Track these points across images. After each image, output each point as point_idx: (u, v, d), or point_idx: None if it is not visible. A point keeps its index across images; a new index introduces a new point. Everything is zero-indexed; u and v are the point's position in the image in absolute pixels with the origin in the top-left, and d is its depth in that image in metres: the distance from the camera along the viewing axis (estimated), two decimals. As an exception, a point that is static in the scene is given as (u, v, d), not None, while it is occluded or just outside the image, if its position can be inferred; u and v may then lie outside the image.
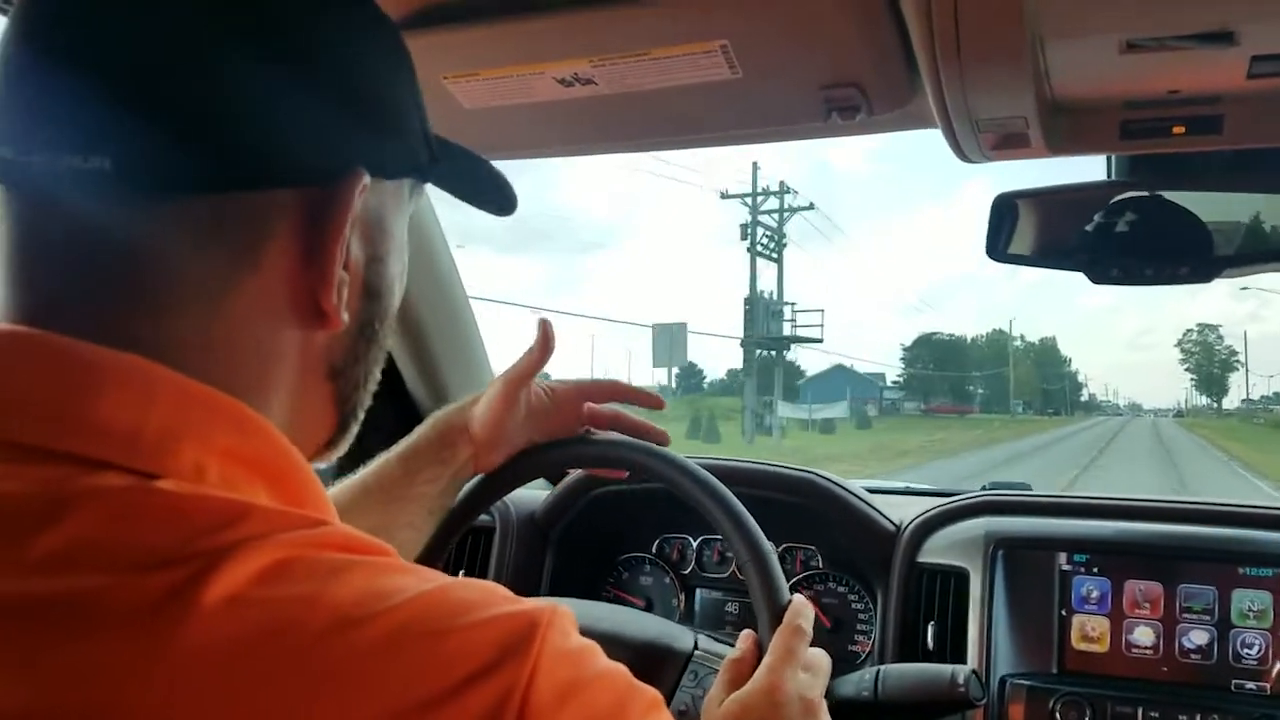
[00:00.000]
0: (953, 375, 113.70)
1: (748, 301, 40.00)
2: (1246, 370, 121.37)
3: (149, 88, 0.49)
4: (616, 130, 1.13)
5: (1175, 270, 1.11)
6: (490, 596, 0.49)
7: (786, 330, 41.16)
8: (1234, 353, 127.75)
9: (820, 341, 42.79)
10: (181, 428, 0.49)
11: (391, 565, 0.49)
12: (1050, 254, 1.19)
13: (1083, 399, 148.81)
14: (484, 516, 1.58)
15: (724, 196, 41.56)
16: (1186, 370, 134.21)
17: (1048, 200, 1.20)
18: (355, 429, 0.65)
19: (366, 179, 0.56)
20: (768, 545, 0.95)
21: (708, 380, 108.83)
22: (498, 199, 0.73)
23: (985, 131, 0.98)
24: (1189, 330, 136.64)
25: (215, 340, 0.53)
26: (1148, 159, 1.15)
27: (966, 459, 26.91)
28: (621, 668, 0.53)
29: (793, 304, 42.16)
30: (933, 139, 1.04)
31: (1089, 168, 1.24)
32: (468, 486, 1.06)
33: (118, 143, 0.49)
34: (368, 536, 0.51)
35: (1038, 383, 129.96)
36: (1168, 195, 1.12)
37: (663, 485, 1.02)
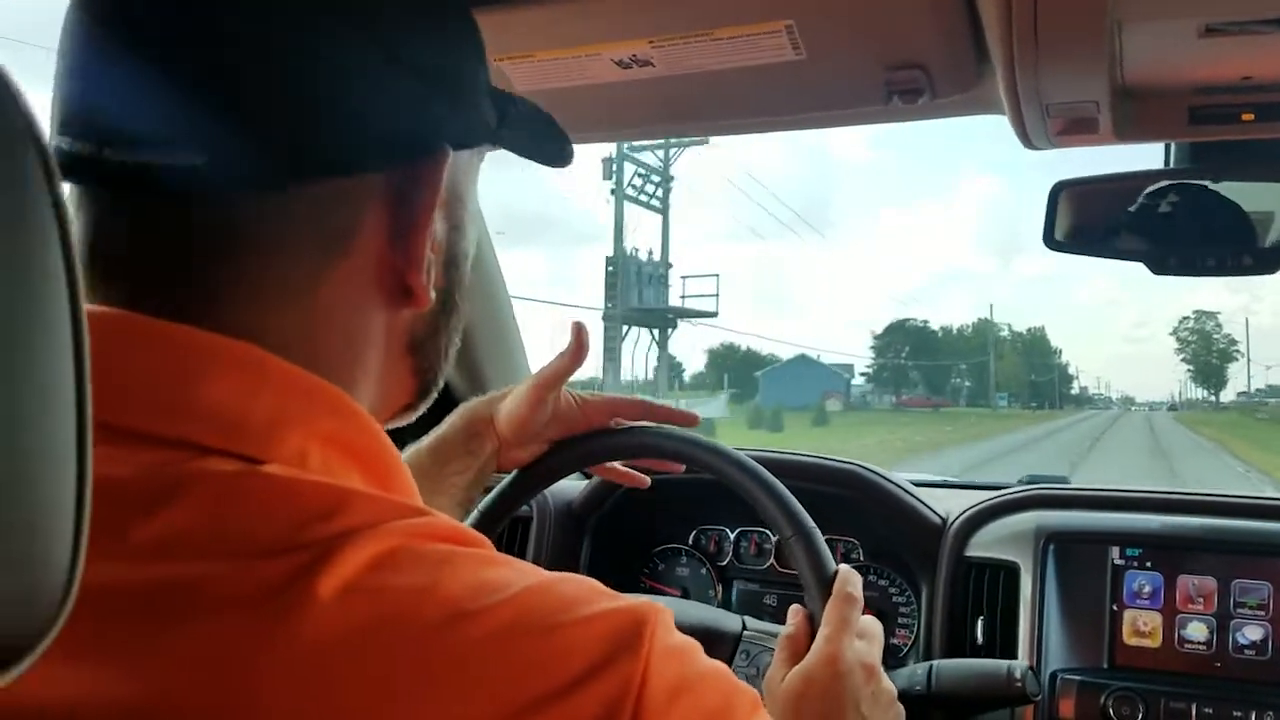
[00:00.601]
0: (927, 365, 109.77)
1: (611, 262, 30.01)
2: (1248, 360, 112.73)
3: (238, 82, 0.49)
4: (672, 114, 1.12)
5: (1239, 260, 1.09)
6: (594, 592, 0.49)
7: (675, 301, 32.61)
8: (1233, 342, 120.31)
9: (714, 315, 34.31)
10: (286, 414, 0.49)
11: (493, 558, 0.49)
12: (1108, 243, 1.18)
13: (1073, 392, 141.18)
14: (523, 508, 1.57)
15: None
16: (1183, 360, 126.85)
17: (1105, 188, 1.18)
18: (435, 393, 0.65)
19: (451, 155, 0.55)
20: (809, 520, 0.95)
21: (689, 373, 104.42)
22: (555, 151, 0.72)
23: (1054, 117, 0.97)
24: (1185, 319, 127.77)
25: (311, 327, 0.53)
26: (1207, 147, 1.14)
27: (922, 462, 23.53)
28: (723, 665, 0.54)
29: (669, 265, 32.18)
30: (938, 130, 1.03)
31: (1133, 159, 1.22)
32: (506, 480, 1.06)
33: (210, 139, 0.48)
34: (465, 527, 0.51)
35: (1024, 374, 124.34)
36: (1230, 184, 1.10)
37: (704, 473, 1.01)
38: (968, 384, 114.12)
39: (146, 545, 0.43)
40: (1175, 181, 1.14)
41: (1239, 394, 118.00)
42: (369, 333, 0.56)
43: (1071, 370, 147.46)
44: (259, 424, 0.48)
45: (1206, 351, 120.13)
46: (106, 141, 0.49)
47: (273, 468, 0.47)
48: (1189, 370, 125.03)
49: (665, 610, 0.50)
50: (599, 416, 1.07)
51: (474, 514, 1.06)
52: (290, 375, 0.50)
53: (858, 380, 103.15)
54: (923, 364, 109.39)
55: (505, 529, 1.61)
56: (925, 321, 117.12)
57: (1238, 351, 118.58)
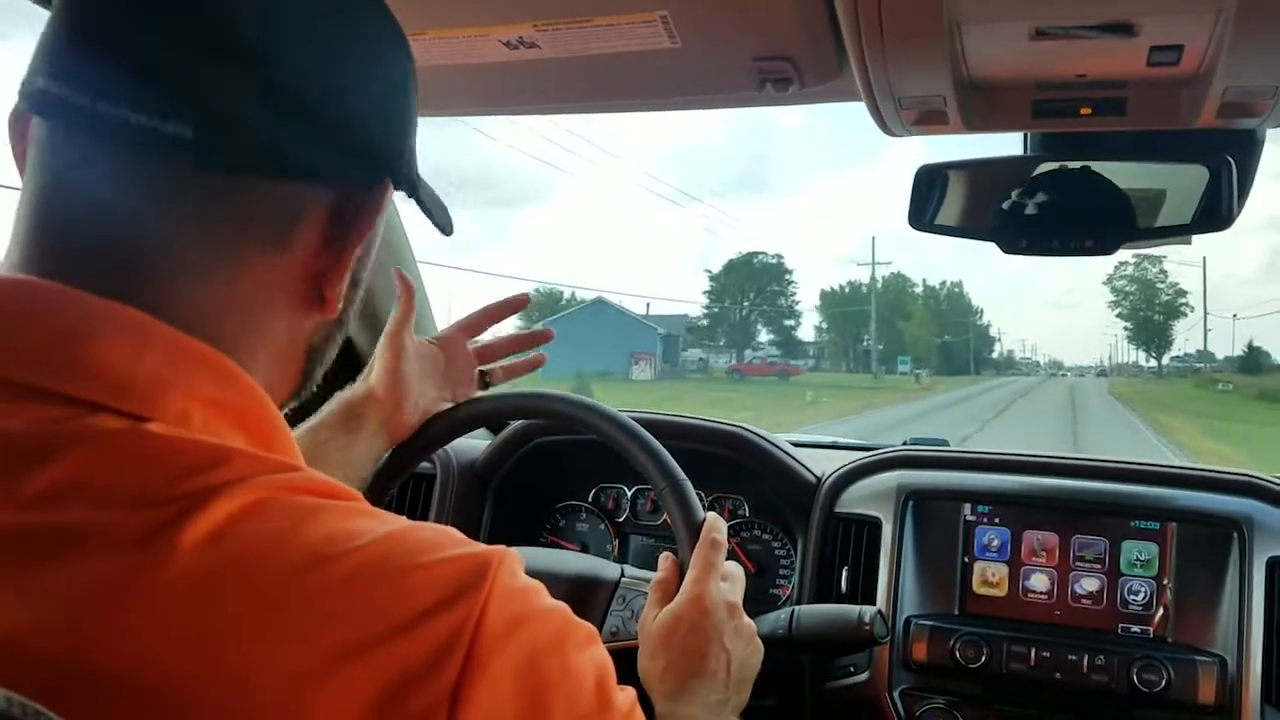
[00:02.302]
0: (783, 321, 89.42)
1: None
2: (1205, 315, 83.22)
3: (247, 69, 0.54)
4: (558, 93, 1.18)
5: (1081, 243, 1.19)
6: (447, 539, 0.55)
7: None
8: (1182, 294, 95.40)
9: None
10: (170, 376, 0.53)
11: (359, 509, 0.54)
12: (967, 224, 1.26)
13: (993, 356, 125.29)
14: (425, 465, 1.63)
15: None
16: (1118, 316, 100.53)
17: (967, 172, 1.27)
18: (306, 394, 0.71)
19: (391, 189, 0.63)
20: (680, 472, 1.03)
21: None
22: (444, 219, 0.77)
23: (906, 108, 1.05)
24: (1122, 264, 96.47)
25: (225, 307, 0.57)
26: (1059, 137, 1.23)
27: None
28: (563, 605, 0.59)
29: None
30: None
31: (1010, 141, 1.31)
32: (383, 459, 1.12)
33: (204, 114, 0.53)
34: (337, 482, 0.56)
35: (932, 336, 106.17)
36: (1074, 173, 1.19)
37: (582, 431, 1.09)
38: (880, 347, 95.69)
39: (36, 494, 0.47)
40: (1031, 169, 1.23)
41: (1174, 357, 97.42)
42: (274, 329, 0.61)
43: (993, 333, 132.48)
44: (144, 384, 0.52)
45: (1148, 305, 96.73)
46: (103, 96, 0.52)
47: (156, 426, 0.51)
48: (1126, 329, 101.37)
49: (511, 555, 0.56)
50: (456, 345, 1.18)
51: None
52: (174, 339, 0.54)
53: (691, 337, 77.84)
54: (771, 315, 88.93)
55: (409, 488, 1.67)
56: (779, 257, 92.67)
57: (1187, 305, 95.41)
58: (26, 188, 0.56)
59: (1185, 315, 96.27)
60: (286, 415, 0.65)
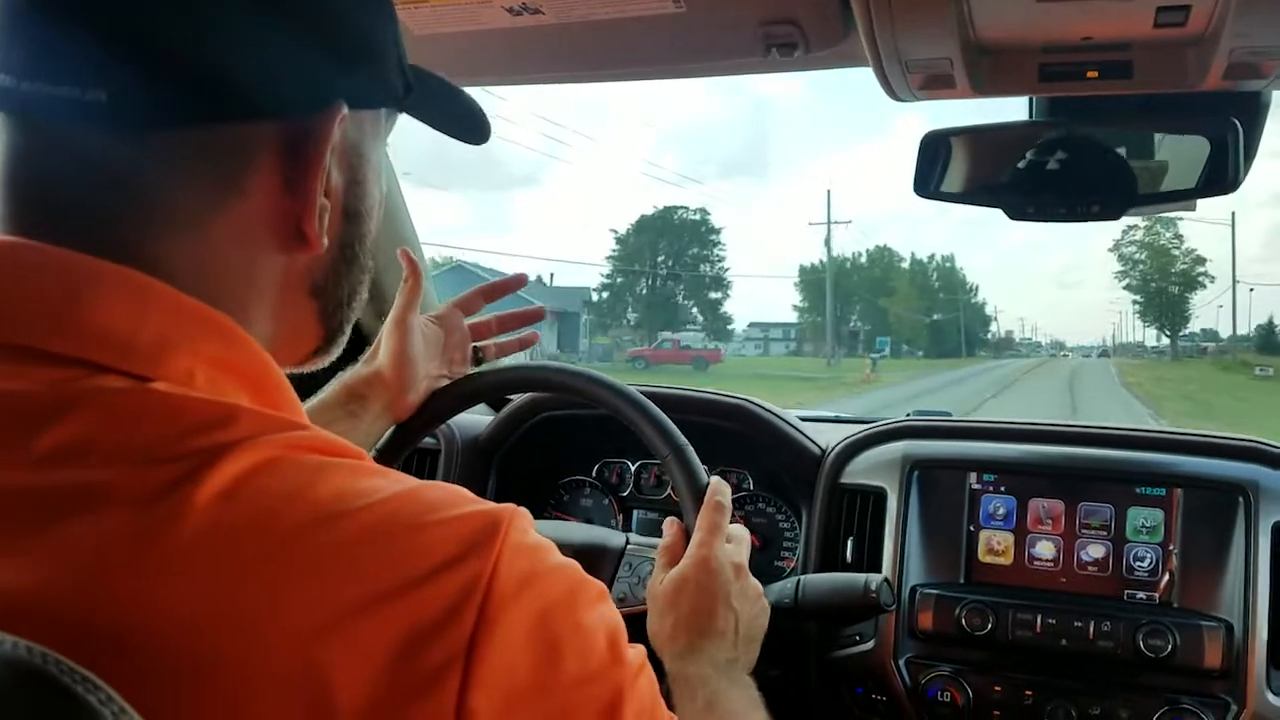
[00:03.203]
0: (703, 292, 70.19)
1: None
2: (1235, 281, 65.12)
3: (142, 25, 0.53)
4: (562, 61, 1.17)
5: (1087, 208, 1.19)
6: (458, 497, 0.55)
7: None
8: (1200, 261, 78.08)
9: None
10: (173, 336, 0.54)
11: (368, 468, 0.55)
12: (973, 191, 1.26)
13: (989, 336, 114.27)
14: (429, 440, 1.63)
15: None
16: (1126, 289, 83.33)
17: (973, 138, 1.26)
18: (344, 339, 0.71)
19: (345, 111, 0.60)
20: (682, 438, 1.04)
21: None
22: (471, 127, 0.77)
23: (914, 72, 1.04)
24: (1130, 228, 79.18)
25: (203, 261, 0.57)
26: (1065, 101, 1.22)
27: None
28: (573, 562, 0.59)
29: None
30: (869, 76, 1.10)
31: (1015, 108, 1.30)
32: (384, 438, 1.12)
33: (113, 77, 0.52)
34: (344, 441, 0.56)
35: (919, 315, 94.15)
36: (1079, 137, 1.19)
37: (583, 402, 1.09)
38: (866, 327, 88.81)
39: (46, 453, 0.48)
40: (1037, 135, 1.23)
41: (1180, 335, 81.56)
42: (264, 272, 0.61)
43: (989, 311, 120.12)
44: (147, 345, 0.53)
45: (1161, 276, 78.76)
46: (24, 75, 0.53)
47: (160, 385, 0.52)
48: (1135, 303, 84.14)
49: (522, 513, 0.56)
50: (453, 322, 1.19)
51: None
52: (176, 300, 0.55)
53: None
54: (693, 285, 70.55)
55: (414, 463, 1.67)
56: (702, 212, 72.75)
57: (1206, 276, 78.45)
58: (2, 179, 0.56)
59: (1204, 287, 79.51)
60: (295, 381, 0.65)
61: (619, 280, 69.87)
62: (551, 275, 69.14)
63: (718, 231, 71.38)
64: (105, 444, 0.48)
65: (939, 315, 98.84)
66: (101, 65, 0.52)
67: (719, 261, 71.92)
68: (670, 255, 70.15)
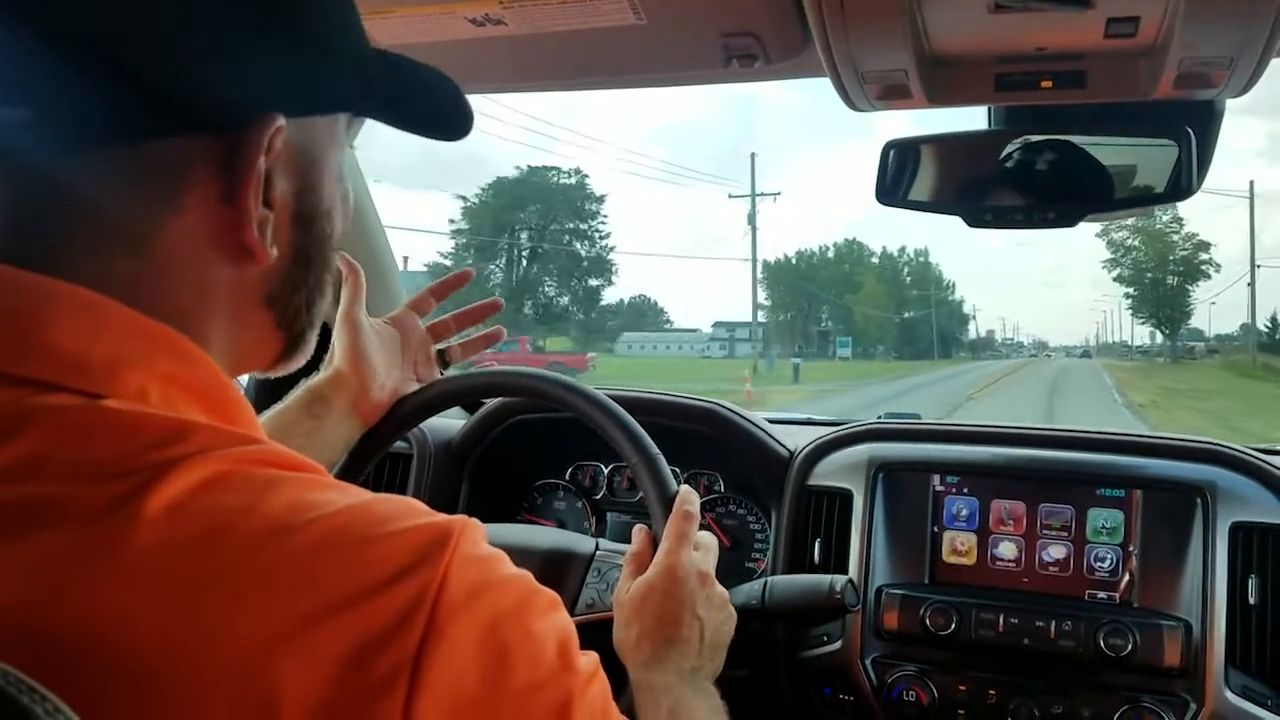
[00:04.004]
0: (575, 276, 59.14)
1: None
2: (1254, 265, 53.33)
3: (65, 40, 0.52)
4: (526, 70, 1.18)
5: (1044, 215, 1.21)
6: (409, 509, 0.55)
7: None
8: (1203, 247, 65.96)
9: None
10: (126, 354, 0.54)
11: (320, 481, 0.55)
12: (933, 198, 1.27)
13: (967, 336, 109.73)
14: (401, 444, 1.64)
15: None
16: (1116, 280, 70.22)
17: (933, 147, 1.27)
18: (310, 344, 0.70)
19: (280, 122, 0.59)
20: (653, 446, 1.05)
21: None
22: (447, 124, 0.74)
23: (870, 83, 1.06)
24: None
25: (152, 277, 0.57)
26: (1022, 110, 1.24)
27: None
28: (525, 573, 0.60)
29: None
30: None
31: (974, 116, 1.32)
32: (352, 446, 1.13)
33: (37, 93, 0.52)
34: (298, 455, 0.57)
35: (888, 313, 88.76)
36: (1036, 146, 1.21)
37: (554, 407, 1.10)
38: (839, 327, 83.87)
39: (0, 470, 0.48)
40: (994, 143, 1.25)
41: (1175, 335, 70.40)
42: (215, 286, 0.61)
43: (967, 309, 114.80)
44: (100, 363, 0.53)
45: (1158, 264, 66.91)
46: None
47: (112, 402, 0.52)
48: (1128, 296, 72.24)
49: (474, 524, 0.57)
50: (408, 323, 1.20)
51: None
52: (129, 319, 0.55)
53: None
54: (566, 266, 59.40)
55: (386, 467, 1.68)
56: (577, 173, 61.01)
57: (1210, 264, 66.88)
58: None
59: (1207, 277, 67.33)
60: (254, 399, 0.65)
61: (468, 261, 55.89)
62: (405, 259, 53.58)
63: (600, 200, 59.47)
64: (58, 460, 0.49)
65: (911, 313, 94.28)
66: (25, 82, 0.52)
67: (600, 240, 59.47)
68: (531, 227, 57.53)
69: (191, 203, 0.58)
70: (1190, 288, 68.08)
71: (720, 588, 1.00)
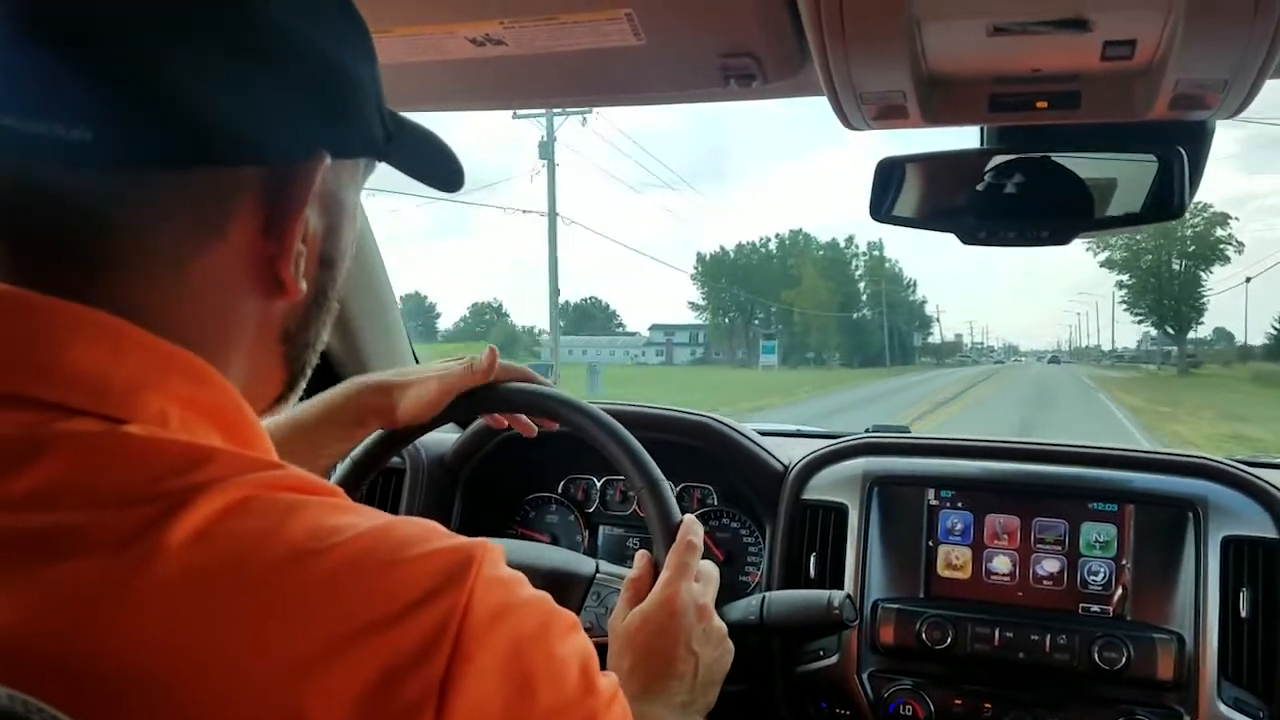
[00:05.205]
0: None
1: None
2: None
3: (129, 64, 0.53)
4: (525, 89, 1.19)
5: (1037, 233, 1.22)
6: (431, 532, 0.56)
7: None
8: (1221, 221, 52.48)
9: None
10: (146, 378, 0.54)
11: (341, 505, 0.55)
12: (927, 216, 1.28)
13: (926, 341, 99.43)
14: (395, 459, 1.64)
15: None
16: (1104, 265, 57.03)
17: (926, 164, 1.29)
18: (303, 385, 0.71)
19: (328, 160, 0.60)
20: (658, 472, 1.05)
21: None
22: (446, 175, 0.76)
23: (868, 103, 1.06)
24: None
25: (181, 303, 0.58)
26: (1015, 129, 1.25)
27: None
28: (544, 594, 0.60)
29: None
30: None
31: (967, 135, 1.33)
32: (373, 439, 1.13)
33: (98, 115, 0.52)
34: (318, 479, 0.57)
35: (833, 312, 79.06)
36: (1029, 165, 1.22)
37: (562, 427, 1.10)
38: (778, 327, 75.81)
39: (20, 496, 0.48)
40: (988, 162, 1.26)
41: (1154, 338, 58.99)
42: (241, 318, 0.61)
43: (930, 310, 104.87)
44: (120, 387, 0.53)
45: (1164, 243, 52.16)
46: (7, 110, 0.53)
47: (134, 427, 0.52)
48: (1121, 285, 57.35)
49: (494, 547, 0.57)
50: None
51: (345, 465, 1.13)
52: (149, 342, 0.55)
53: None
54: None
55: (380, 482, 1.67)
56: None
57: (1230, 243, 52.54)
58: None
59: (1226, 260, 52.17)
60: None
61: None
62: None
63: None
64: (79, 487, 0.49)
65: (865, 313, 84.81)
66: (87, 103, 0.52)
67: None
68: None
69: (234, 231, 0.58)
70: (1202, 273, 52.45)
71: (719, 621, 0.99)
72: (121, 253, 0.56)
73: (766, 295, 79.30)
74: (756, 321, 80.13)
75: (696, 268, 79.32)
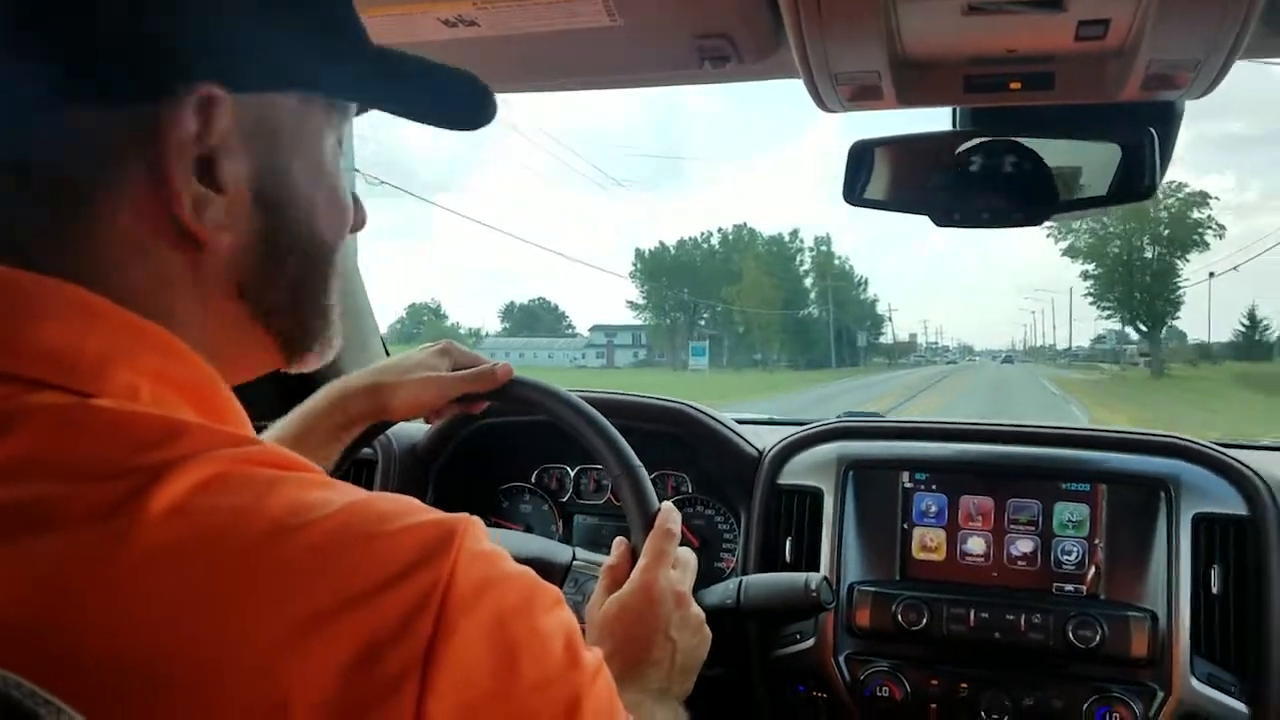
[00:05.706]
0: None
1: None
2: None
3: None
4: (499, 72, 1.17)
5: (1009, 214, 1.22)
6: (411, 507, 0.54)
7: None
8: (1200, 202, 46.70)
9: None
10: (115, 352, 0.53)
11: (319, 480, 0.54)
12: (900, 199, 1.29)
13: (878, 341, 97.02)
14: (366, 450, 1.62)
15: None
16: (1068, 254, 51.21)
17: (899, 147, 1.29)
18: (321, 339, 0.67)
19: (213, 92, 0.55)
20: (636, 460, 1.04)
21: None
22: (461, 110, 0.69)
23: (843, 84, 1.06)
24: None
25: (108, 263, 0.55)
26: (988, 112, 1.26)
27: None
28: (528, 569, 0.59)
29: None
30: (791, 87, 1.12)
31: (940, 117, 1.34)
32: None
33: None
34: (294, 454, 0.56)
35: (776, 309, 75.37)
36: (1003, 146, 1.22)
37: (539, 415, 1.09)
38: (723, 327, 72.37)
39: None
40: (961, 144, 1.26)
41: (1097, 339, 54.85)
42: (168, 269, 0.58)
43: (881, 309, 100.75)
44: (90, 361, 0.52)
45: (1138, 228, 47.14)
46: None
47: (104, 400, 0.51)
48: (1087, 276, 51.28)
49: (476, 522, 0.56)
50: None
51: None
52: (118, 316, 0.54)
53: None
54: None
55: (350, 472, 1.65)
56: None
57: (1210, 227, 46.73)
58: None
59: (1205, 246, 47.02)
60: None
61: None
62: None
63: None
64: (50, 460, 0.48)
65: (811, 311, 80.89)
66: None
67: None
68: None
69: (122, 180, 0.55)
70: (1179, 261, 46.73)
71: (697, 608, 0.99)
72: (42, 213, 0.54)
73: (708, 294, 76.60)
74: (702, 321, 77.94)
75: (635, 265, 77.40)
